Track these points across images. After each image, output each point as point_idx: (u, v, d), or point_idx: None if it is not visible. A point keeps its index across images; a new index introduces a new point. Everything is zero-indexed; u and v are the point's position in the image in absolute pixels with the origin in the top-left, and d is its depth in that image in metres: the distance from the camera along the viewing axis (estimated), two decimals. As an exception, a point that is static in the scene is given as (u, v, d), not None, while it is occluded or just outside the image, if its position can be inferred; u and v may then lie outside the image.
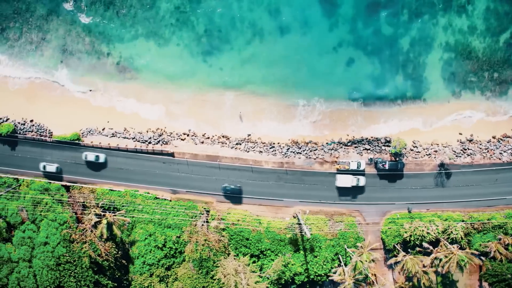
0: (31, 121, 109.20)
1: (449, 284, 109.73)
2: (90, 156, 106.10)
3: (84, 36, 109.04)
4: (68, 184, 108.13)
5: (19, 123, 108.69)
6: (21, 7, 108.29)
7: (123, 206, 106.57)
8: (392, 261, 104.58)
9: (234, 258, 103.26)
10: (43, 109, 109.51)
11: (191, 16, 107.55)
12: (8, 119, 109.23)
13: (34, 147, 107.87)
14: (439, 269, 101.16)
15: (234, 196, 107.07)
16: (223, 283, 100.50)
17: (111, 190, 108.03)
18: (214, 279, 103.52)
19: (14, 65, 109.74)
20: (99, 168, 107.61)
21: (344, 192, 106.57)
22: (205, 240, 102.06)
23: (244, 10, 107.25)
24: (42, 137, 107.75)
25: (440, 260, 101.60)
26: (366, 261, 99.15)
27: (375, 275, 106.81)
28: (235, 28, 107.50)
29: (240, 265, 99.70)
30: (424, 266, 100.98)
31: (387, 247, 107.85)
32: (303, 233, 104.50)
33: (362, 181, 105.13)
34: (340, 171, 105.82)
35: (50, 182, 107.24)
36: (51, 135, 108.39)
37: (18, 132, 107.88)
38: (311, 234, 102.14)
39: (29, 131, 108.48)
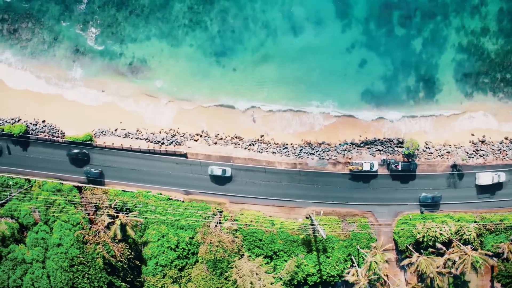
0: (43, 121, 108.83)
1: (461, 285, 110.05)
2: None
3: (96, 36, 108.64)
4: (80, 185, 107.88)
5: (31, 123, 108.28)
6: (33, 8, 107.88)
7: (135, 207, 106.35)
8: (406, 262, 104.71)
9: (248, 259, 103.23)
10: (55, 109, 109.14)
11: (204, 16, 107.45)
12: (20, 119, 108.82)
13: (46, 148, 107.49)
14: (453, 270, 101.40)
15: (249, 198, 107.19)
16: (237, 285, 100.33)
17: (124, 191, 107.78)
18: (229, 280, 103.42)
19: (26, 65, 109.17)
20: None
21: (484, 190, 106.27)
22: (219, 241, 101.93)
23: (257, 11, 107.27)
24: (54, 138, 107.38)
25: (453, 261, 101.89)
26: (380, 261, 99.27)
27: (387, 275, 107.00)
28: (248, 29, 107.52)
29: (256, 266, 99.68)
30: (437, 267, 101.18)
31: (399, 247, 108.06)
32: (316, 234, 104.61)
33: (503, 177, 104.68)
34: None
35: (62, 183, 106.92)
36: (63, 135, 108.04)
37: (30, 133, 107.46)
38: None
39: (41, 132, 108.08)
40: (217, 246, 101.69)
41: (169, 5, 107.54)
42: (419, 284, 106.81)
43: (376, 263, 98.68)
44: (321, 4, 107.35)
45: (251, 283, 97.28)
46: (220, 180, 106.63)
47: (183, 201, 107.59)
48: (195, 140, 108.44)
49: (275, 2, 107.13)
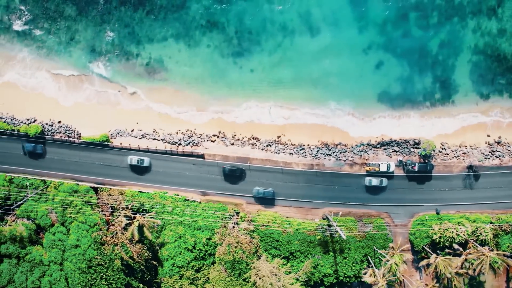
0: (59, 122, 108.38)
1: (476, 285, 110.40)
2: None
3: (113, 36, 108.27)
4: (96, 186, 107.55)
5: (46, 124, 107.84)
6: (50, 8, 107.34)
7: (152, 208, 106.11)
8: (424, 262, 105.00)
9: (266, 260, 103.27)
10: (71, 110, 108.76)
11: (222, 17, 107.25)
12: (36, 120, 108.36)
13: (62, 149, 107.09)
14: (470, 271, 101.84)
15: (266, 199, 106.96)
16: (256, 286, 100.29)
17: (140, 192, 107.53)
18: (247, 282, 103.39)
19: (42, 65, 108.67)
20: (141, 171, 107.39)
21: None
22: (238, 242, 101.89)
23: (274, 12, 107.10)
24: (70, 139, 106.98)
25: (470, 261, 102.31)
26: (399, 262, 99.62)
27: (402, 275, 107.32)
28: (265, 30, 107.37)
29: (275, 267, 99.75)
30: (455, 268, 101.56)
31: (416, 248, 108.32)
32: (333, 235, 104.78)
33: None
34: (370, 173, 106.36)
35: (78, 184, 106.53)
36: (80, 136, 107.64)
37: (46, 134, 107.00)
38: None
39: (57, 133, 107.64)
40: (235, 247, 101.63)
41: (186, 6, 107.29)
42: (436, 284, 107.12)
43: (397, 264, 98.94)
44: (338, 6, 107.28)
45: (271, 284, 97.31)
46: (236, 181, 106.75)
47: (200, 202, 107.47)
48: (212, 141, 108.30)
49: (293, 3, 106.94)
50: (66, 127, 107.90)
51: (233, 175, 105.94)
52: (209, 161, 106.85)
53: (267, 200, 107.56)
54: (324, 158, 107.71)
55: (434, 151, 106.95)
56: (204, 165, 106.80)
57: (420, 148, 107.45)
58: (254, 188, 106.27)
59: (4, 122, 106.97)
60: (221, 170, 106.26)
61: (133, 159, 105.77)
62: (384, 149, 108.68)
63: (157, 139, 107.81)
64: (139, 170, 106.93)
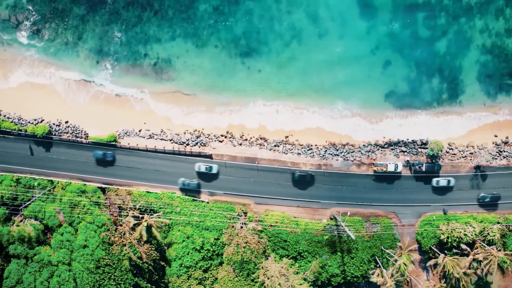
0: (66, 122, 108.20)
1: (483, 285, 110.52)
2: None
3: (120, 36, 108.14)
4: (103, 186, 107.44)
5: (54, 124, 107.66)
6: (58, 7, 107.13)
7: (160, 208, 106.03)
8: (432, 262, 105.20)
9: (275, 260, 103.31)
10: (78, 110, 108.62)
11: (230, 17, 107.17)
12: (43, 120, 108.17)
13: (69, 149, 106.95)
14: (478, 271, 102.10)
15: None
16: (264, 286, 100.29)
17: (148, 192, 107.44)
18: (256, 282, 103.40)
19: (49, 65, 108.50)
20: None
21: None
22: (246, 242, 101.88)
23: (282, 12, 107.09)
24: (78, 139, 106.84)
25: (478, 261, 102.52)
26: (408, 262, 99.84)
27: (410, 275, 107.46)
28: (273, 30, 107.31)
29: (284, 267, 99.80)
30: (463, 268, 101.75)
31: (423, 248, 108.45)
32: (341, 235, 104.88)
33: None
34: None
35: (85, 184, 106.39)
36: (87, 136, 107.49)
37: (53, 134, 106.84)
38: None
39: (64, 133, 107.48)
40: (244, 247, 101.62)
41: (194, 6, 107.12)
42: (444, 284, 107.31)
43: (406, 265, 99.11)
44: (346, 6, 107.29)
45: (279, 284, 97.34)
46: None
47: (207, 202, 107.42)
48: (220, 141, 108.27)
49: (300, 3, 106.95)
50: (74, 127, 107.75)
51: (304, 181, 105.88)
52: (217, 161, 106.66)
53: (192, 191, 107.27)
54: (332, 158, 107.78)
55: (441, 151, 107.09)
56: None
57: (427, 148, 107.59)
58: (179, 179, 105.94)
59: (11, 122, 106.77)
60: (229, 171, 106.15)
61: (201, 166, 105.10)
62: (392, 149, 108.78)
63: (164, 139, 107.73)
64: (208, 177, 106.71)
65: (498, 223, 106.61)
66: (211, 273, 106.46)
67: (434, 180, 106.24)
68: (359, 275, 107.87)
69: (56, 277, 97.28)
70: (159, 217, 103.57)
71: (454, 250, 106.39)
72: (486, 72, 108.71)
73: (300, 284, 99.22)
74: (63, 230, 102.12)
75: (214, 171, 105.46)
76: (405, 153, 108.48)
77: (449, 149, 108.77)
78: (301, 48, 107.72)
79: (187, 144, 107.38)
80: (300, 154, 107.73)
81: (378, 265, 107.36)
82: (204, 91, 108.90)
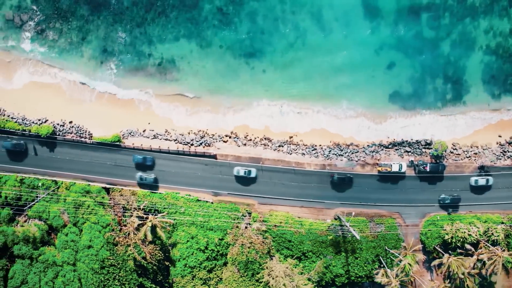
0: (70, 122, 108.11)
1: (487, 285, 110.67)
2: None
3: (124, 37, 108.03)
4: (108, 186, 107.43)
5: (58, 124, 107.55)
6: (62, 8, 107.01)
7: (164, 208, 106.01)
8: (436, 262, 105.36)
9: (279, 260, 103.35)
10: (82, 110, 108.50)
11: (234, 17, 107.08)
12: (47, 120, 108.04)
13: (73, 149, 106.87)
14: (483, 271, 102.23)
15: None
16: (269, 286, 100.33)
17: (152, 192, 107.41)
18: (260, 282, 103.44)
19: (53, 65, 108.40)
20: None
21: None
22: (251, 242, 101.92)
23: (287, 13, 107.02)
24: (82, 139, 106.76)
25: (482, 261, 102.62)
26: (412, 262, 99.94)
27: (414, 276, 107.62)
28: (277, 30, 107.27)
29: (288, 267, 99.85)
30: (467, 268, 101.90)
31: (427, 248, 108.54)
32: (345, 235, 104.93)
33: None
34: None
35: (89, 184, 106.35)
36: (91, 136, 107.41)
37: (57, 134, 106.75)
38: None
39: (68, 133, 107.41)
40: (248, 247, 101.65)
41: (199, 6, 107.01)
42: (448, 284, 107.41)
43: (411, 265, 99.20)
44: (350, 6, 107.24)
45: (284, 285, 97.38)
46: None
47: (212, 203, 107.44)
48: (224, 141, 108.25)
49: (304, 4, 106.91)
50: (78, 127, 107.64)
51: (343, 184, 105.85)
52: (222, 162, 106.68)
53: (150, 186, 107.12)
54: (336, 159, 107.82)
55: (445, 151, 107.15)
56: (216, 165, 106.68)
57: (431, 148, 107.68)
58: (137, 174, 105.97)
59: (15, 122, 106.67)
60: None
61: (240, 170, 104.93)
62: (396, 149, 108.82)
63: (169, 140, 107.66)
64: (246, 181, 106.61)
65: (502, 223, 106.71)
66: (215, 273, 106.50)
67: (472, 179, 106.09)
68: (363, 275, 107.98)
69: (61, 278, 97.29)
70: (163, 217, 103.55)
71: (458, 250, 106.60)
72: (491, 73, 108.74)
73: (305, 284, 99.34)
74: (68, 230, 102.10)
75: (253, 175, 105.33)
76: (409, 153, 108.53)
77: (453, 149, 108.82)
78: (306, 48, 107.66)
79: (192, 145, 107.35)
80: (304, 154, 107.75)
81: (382, 265, 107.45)
82: (208, 91, 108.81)
